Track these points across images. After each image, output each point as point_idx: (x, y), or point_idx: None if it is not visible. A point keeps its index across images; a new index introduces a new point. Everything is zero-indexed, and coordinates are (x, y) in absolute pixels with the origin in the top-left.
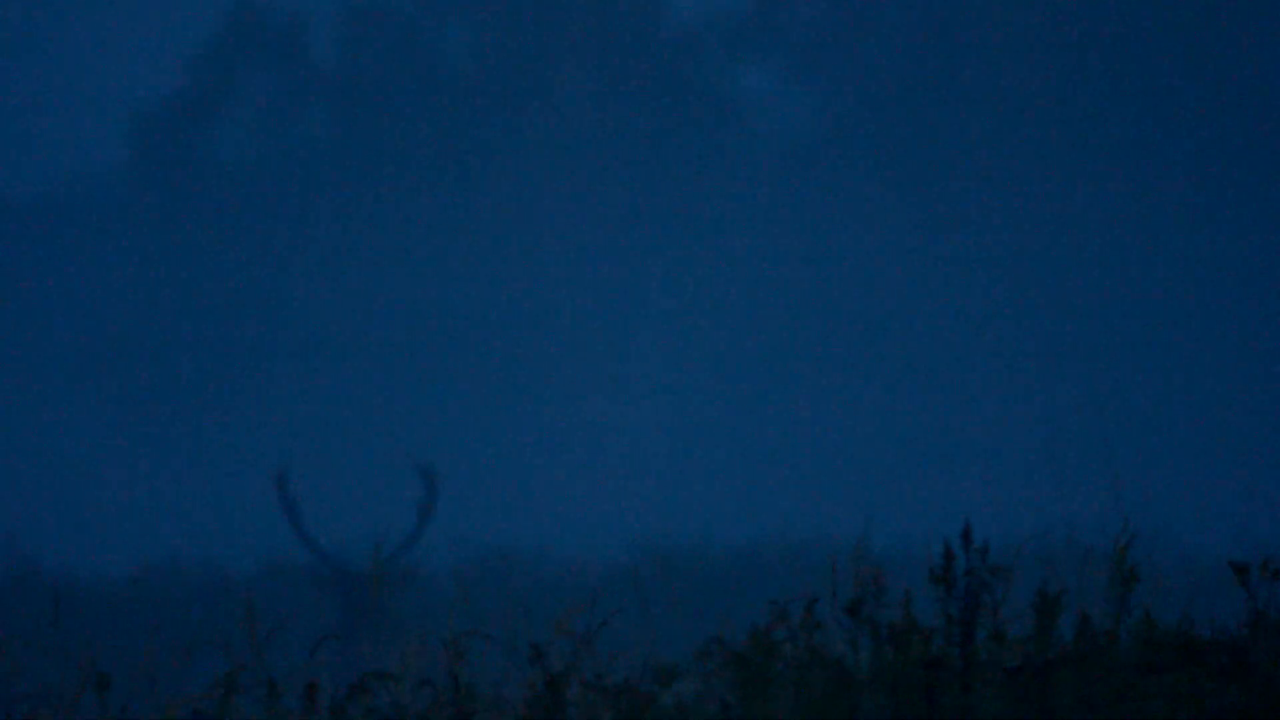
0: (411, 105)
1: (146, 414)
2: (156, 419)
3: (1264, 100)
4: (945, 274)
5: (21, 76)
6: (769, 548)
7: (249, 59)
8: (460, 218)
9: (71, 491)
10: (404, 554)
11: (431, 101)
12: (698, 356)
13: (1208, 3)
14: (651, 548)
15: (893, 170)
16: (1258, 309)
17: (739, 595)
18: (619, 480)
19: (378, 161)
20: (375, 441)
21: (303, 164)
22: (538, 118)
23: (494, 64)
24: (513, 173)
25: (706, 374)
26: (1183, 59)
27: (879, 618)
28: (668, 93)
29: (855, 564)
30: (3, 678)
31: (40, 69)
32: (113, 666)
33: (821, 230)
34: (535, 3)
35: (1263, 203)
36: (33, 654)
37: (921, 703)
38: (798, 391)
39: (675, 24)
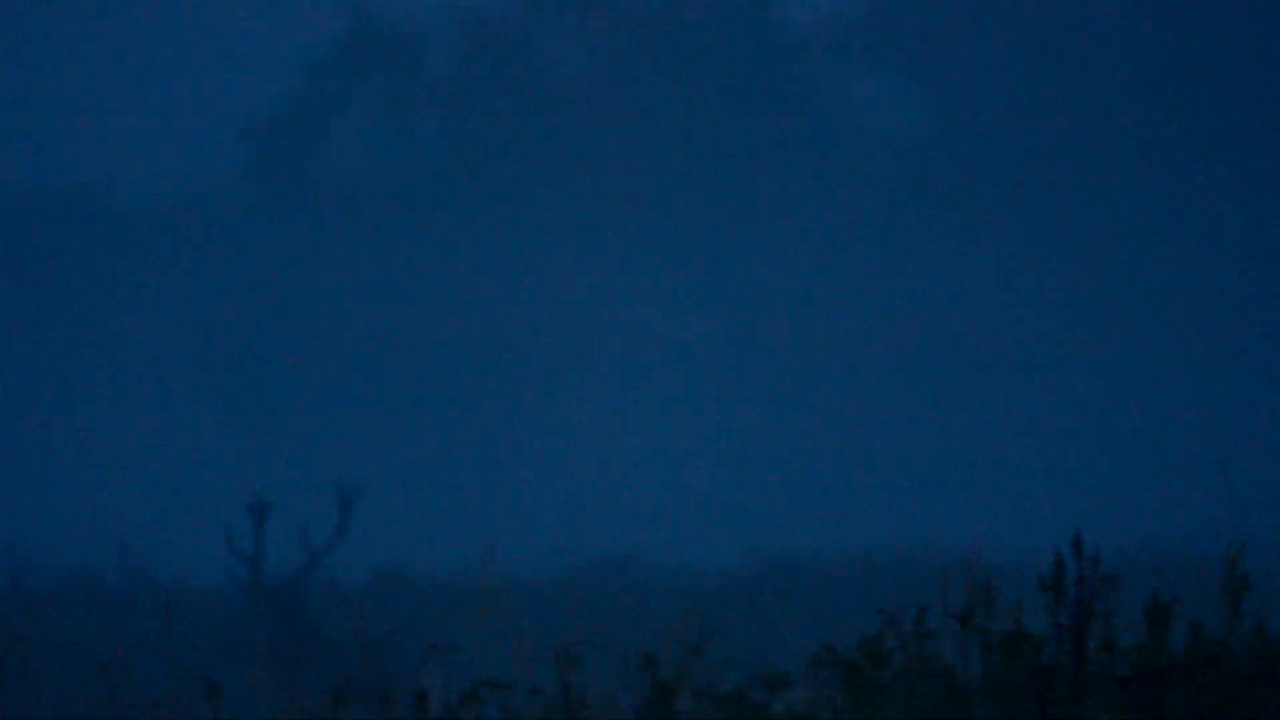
0: (524, 114)
1: (253, 422)
2: (263, 427)
3: None
4: (1052, 282)
5: (143, 86)
6: (880, 556)
7: (365, 69)
8: (568, 225)
9: (184, 501)
10: (309, 570)
11: (543, 110)
12: (807, 363)
13: None
14: (763, 556)
15: (1000, 180)
16: None
17: (849, 604)
18: (731, 490)
19: (490, 170)
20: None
21: (417, 172)
22: (647, 125)
23: (605, 72)
24: (620, 180)
25: (819, 381)
26: None
27: (990, 626)
28: (778, 100)
29: (966, 572)
30: (117, 686)
31: (161, 79)
32: (223, 675)
33: (925, 238)
34: (647, 11)
35: None
36: (146, 663)
37: (1033, 711)
38: (910, 401)
39: (787, 32)
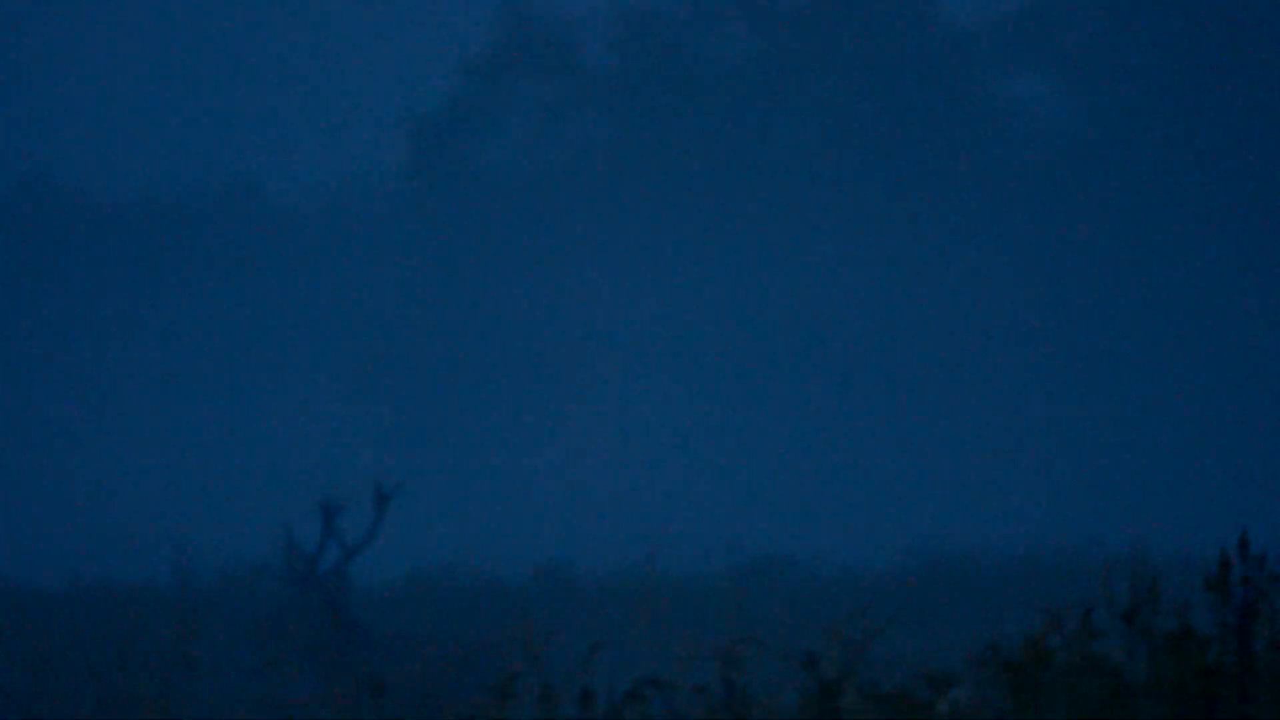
0: (682, 110)
1: (412, 419)
2: (423, 424)
3: None
4: (1210, 277)
5: (304, 85)
6: (1041, 554)
7: (523, 66)
8: (728, 220)
9: (347, 495)
10: (343, 564)
11: (702, 106)
12: (968, 362)
13: None
14: (924, 555)
15: (1157, 178)
16: None
17: (1010, 602)
18: (891, 489)
19: (650, 166)
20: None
21: (574, 168)
22: (805, 121)
23: (763, 69)
24: (779, 176)
25: (982, 381)
26: None
27: (1155, 626)
28: (936, 97)
29: (1131, 572)
30: (281, 685)
31: (322, 78)
32: (388, 673)
33: (1078, 235)
34: (807, 7)
35: None
36: (311, 661)
37: (1199, 711)
38: (1068, 398)
39: (946, 29)
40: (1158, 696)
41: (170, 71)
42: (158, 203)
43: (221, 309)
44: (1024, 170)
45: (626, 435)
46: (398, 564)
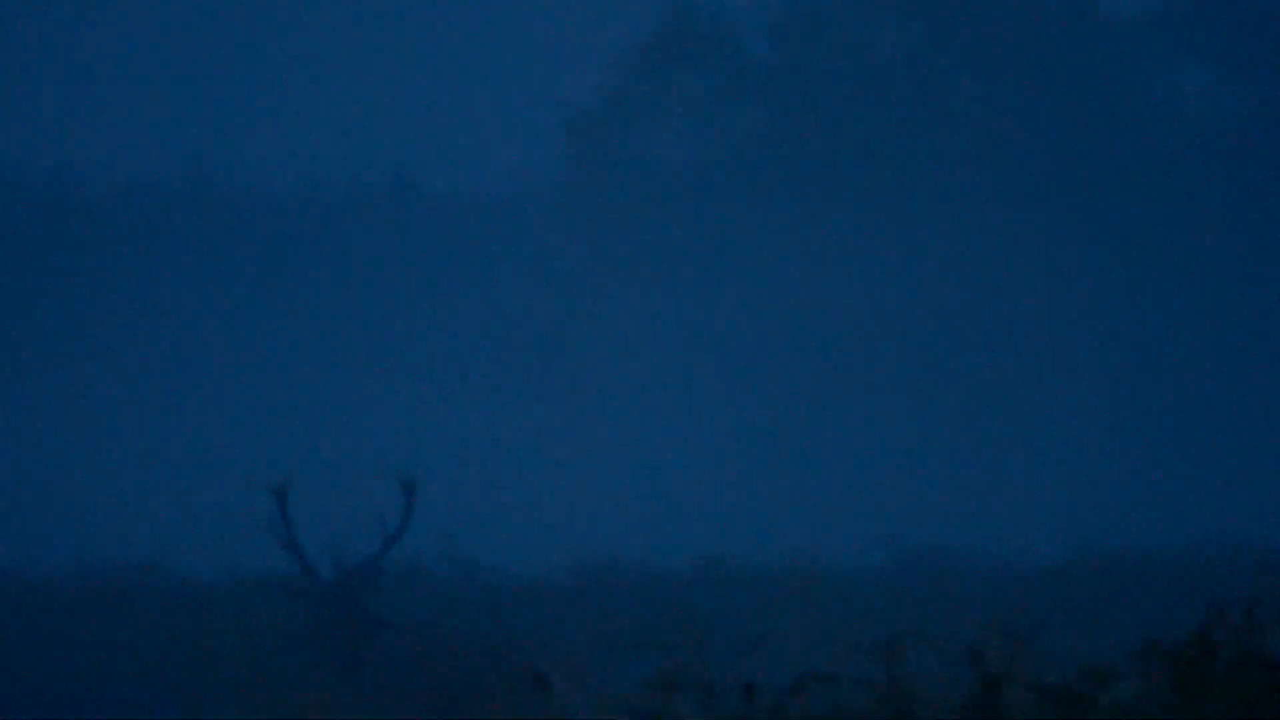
0: (845, 102)
1: (567, 413)
2: (580, 418)
3: None
4: None
5: (461, 79)
6: (1204, 549)
7: (684, 58)
8: (892, 212)
9: (508, 490)
10: (375, 561)
11: (865, 97)
12: (1137, 355)
13: None
14: (1085, 548)
15: None
16: None
17: (1174, 598)
18: (1052, 484)
19: (812, 159)
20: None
21: (738, 162)
22: (968, 113)
23: (922, 59)
24: (943, 167)
25: (1145, 373)
26: None
27: None
28: (1097, 89)
29: None
30: (445, 675)
31: (480, 71)
32: (550, 666)
33: (1254, 232)
34: None
35: None
36: (473, 652)
37: None
38: (1218, 389)
39: (1105, 19)
40: None
41: (329, 67)
42: (315, 198)
43: (379, 304)
44: (1189, 166)
45: (783, 422)
46: (553, 557)
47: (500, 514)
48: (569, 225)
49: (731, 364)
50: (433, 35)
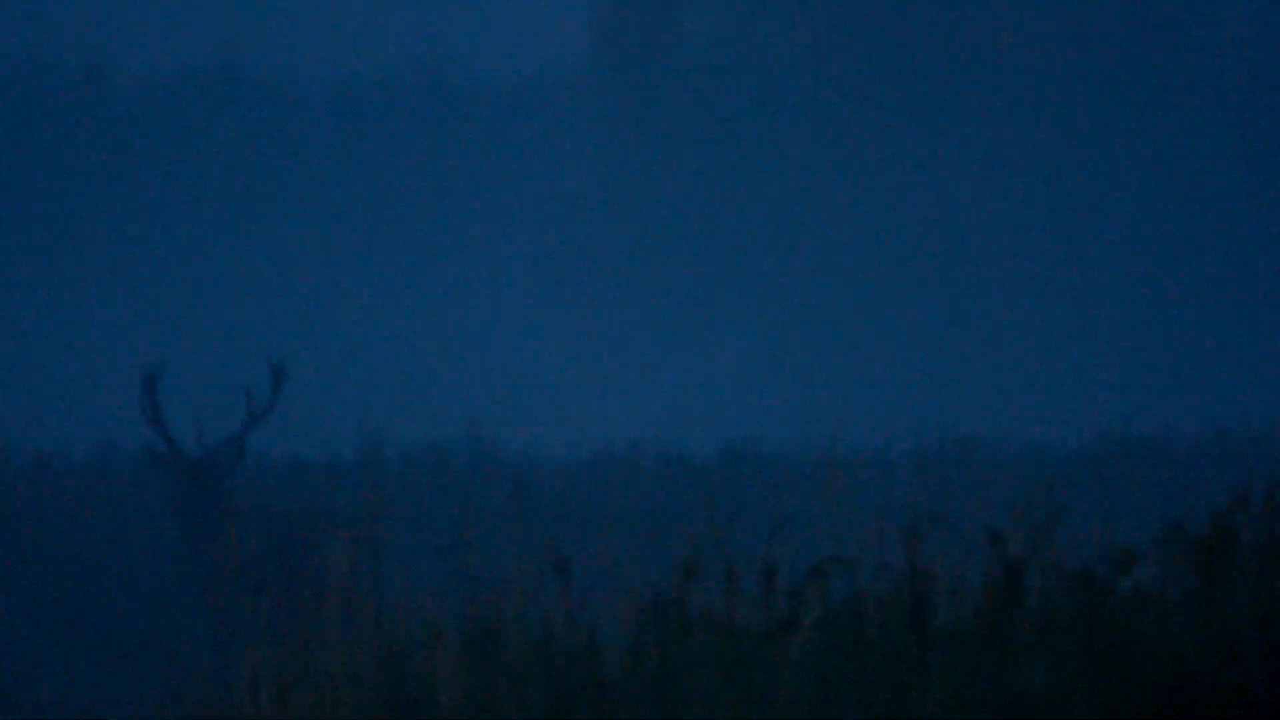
0: (891, 7)
1: (602, 310)
2: (608, 316)
3: None
4: None
5: None
6: (1228, 435)
7: None
8: (934, 126)
9: (529, 377)
10: (236, 441)
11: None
12: (1173, 252)
13: None
14: (1110, 434)
15: None
16: None
17: (1199, 484)
18: (1075, 367)
19: (841, 48)
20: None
21: (769, 62)
22: (1030, 35)
23: None
24: (968, 61)
25: (1180, 270)
26: None
27: None
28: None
29: None
30: (466, 562)
31: None
32: (572, 551)
33: None
34: None
35: None
36: (494, 539)
37: None
38: (1251, 282)
39: None
40: None
41: None
42: (343, 88)
43: (408, 195)
44: (1219, 70)
45: (811, 310)
46: (587, 440)
47: (525, 402)
48: (597, 115)
49: (759, 254)
50: None
